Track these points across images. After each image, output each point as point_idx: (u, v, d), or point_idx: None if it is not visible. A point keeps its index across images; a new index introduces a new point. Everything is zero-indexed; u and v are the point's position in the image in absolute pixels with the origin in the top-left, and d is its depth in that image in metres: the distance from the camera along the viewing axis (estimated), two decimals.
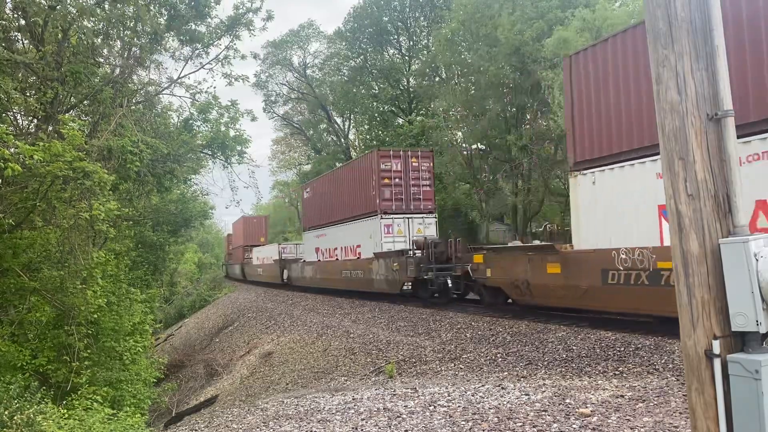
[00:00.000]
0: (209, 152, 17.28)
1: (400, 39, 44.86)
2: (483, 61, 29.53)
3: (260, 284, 42.77)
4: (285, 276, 34.78)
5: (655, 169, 10.43)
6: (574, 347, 10.95)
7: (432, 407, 8.14)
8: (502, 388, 8.91)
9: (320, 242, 28.82)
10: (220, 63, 16.12)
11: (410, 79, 43.76)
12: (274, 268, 37.40)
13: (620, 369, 9.41)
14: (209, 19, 15.27)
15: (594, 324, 12.27)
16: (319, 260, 28.93)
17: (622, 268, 10.85)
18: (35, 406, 7.67)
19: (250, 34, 16.17)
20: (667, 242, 9.79)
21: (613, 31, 14.50)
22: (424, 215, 22.48)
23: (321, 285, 28.70)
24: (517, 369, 10.62)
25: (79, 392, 10.48)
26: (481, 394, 8.71)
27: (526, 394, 8.32)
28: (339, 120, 52.58)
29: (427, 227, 22.29)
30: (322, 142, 52.61)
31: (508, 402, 8.02)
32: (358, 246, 23.89)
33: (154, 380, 14.93)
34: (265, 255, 42.72)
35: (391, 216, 21.85)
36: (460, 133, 34.92)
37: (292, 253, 37.97)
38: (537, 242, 15.93)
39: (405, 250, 20.04)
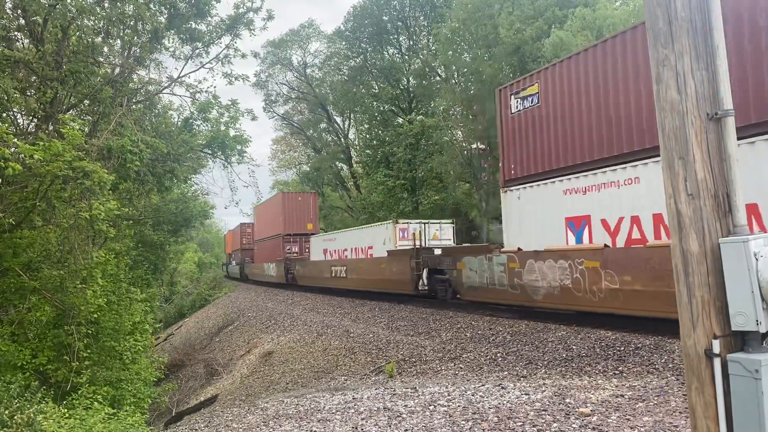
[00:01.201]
0: (209, 152, 17.29)
1: (400, 38, 44.85)
2: (482, 61, 29.55)
3: (338, 294, 26.64)
4: (424, 280, 19.20)
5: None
6: (573, 347, 10.95)
7: (432, 407, 8.14)
8: (502, 388, 8.91)
9: (600, 200, 11.93)
10: (220, 62, 16.13)
11: (410, 78, 43.76)
12: (396, 267, 20.47)
13: (620, 368, 9.41)
14: (209, 18, 15.28)
15: (594, 323, 12.27)
16: (602, 247, 11.66)
17: None
18: (35, 406, 7.68)
19: (251, 34, 16.18)
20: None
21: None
22: None
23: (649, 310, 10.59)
24: (517, 368, 10.62)
25: (79, 392, 10.49)
26: (481, 393, 8.71)
27: (526, 394, 8.32)
28: (339, 119, 52.64)
29: None
30: (322, 141, 52.62)
31: (508, 401, 8.02)
32: None
33: (155, 380, 14.94)
34: (351, 244, 25.65)
35: None
36: (459, 133, 34.94)
37: (417, 236, 21.03)
38: None
39: None
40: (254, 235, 47.34)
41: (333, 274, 26.80)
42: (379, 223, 24.75)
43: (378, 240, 22.76)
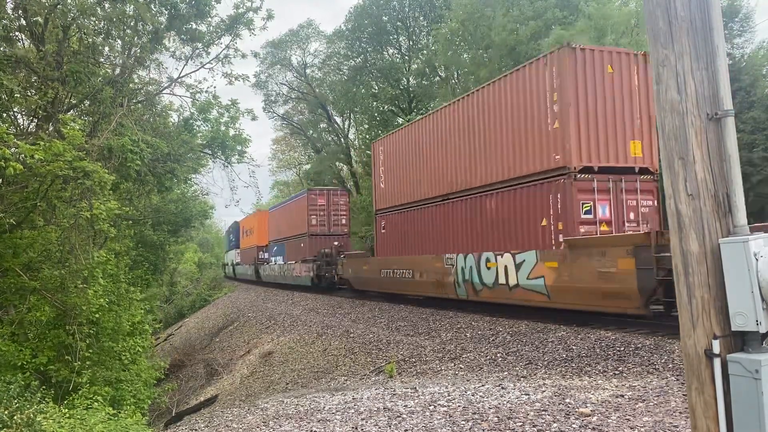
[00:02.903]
0: (209, 152, 17.29)
1: (400, 39, 44.83)
2: (478, 63, 29.54)
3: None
4: None
5: None
6: (573, 347, 10.95)
7: (432, 407, 8.14)
8: (502, 388, 8.92)
9: None
10: (220, 62, 16.13)
11: (410, 78, 43.74)
12: None
13: (620, 369, 9.41)
14: (210, 18, 15.27)
15: (594, 323, 12.28)
16: None
17: None
18: (35, 406, 7.67)
19: (251, 34, 16.17)
20: None
21: None
22: None
23: None
24: (517, 369, 10.62)
25: (80, 392, 10.49)
26: (481, 393, 8.71)
27: (526, 394, 8.33)
28: (339, 119, 52.58)
29: None
30: (322, 141, 52.56)
31: (508, 402, 8.02)
32: None
33: (155, 381, 14.93)
34: None
35: None
36: None
37: None
38: None
39: None
40: (379, 198, 21.92)
41: None
42: None
43: None
